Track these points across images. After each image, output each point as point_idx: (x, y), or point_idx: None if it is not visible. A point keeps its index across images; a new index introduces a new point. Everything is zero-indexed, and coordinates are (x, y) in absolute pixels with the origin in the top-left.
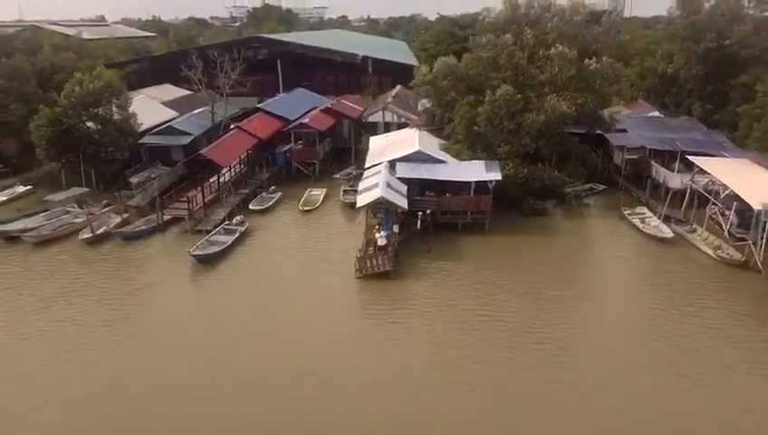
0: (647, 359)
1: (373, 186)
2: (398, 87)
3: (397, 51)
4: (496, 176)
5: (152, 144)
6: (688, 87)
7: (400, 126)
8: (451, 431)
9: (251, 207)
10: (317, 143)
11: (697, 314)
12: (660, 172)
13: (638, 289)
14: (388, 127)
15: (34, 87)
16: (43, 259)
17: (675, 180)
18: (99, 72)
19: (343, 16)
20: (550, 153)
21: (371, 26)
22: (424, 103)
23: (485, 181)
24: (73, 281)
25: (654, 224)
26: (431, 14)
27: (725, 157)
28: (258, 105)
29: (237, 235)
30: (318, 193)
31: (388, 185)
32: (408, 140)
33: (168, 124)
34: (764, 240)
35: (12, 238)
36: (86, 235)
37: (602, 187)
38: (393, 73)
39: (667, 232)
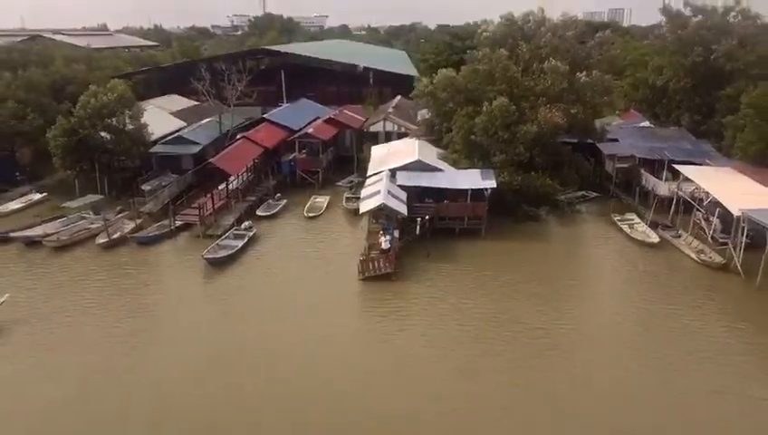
0: (628, 349)
1: (375, 193)
2: (399, 97)
3: (396, 61)
4: (491, 184)
5: (163, 153)
6: (677, 98)
7: (400, 135)
8: (449, 413)
9: (258, 213)
10: (320, 152)
11: (676, 311)
12: (649, 180)
13: (623, 289)
14: (388, 136)
15: (50, 98)
16: (64, 263)
17: (662, 188)
18: (113, 84)
19: (344, 25)
20: (544, 162)
21: (372, 35)
22: (423, 114)
23: (481, 189)
24: (97, 281)
25: (642, 229)
26: (431, 22)
27: (710, 165)
28: (263, 115)
29: (246, 239)
30: (322, 200)
31: (389, 192)
32: (408, 150)
33: (177, 134)
34: (743, 244)
35: (32, 243)
36: (103, 239)
37: (595, 194)
38: (393, 84)
39: (653, 237)
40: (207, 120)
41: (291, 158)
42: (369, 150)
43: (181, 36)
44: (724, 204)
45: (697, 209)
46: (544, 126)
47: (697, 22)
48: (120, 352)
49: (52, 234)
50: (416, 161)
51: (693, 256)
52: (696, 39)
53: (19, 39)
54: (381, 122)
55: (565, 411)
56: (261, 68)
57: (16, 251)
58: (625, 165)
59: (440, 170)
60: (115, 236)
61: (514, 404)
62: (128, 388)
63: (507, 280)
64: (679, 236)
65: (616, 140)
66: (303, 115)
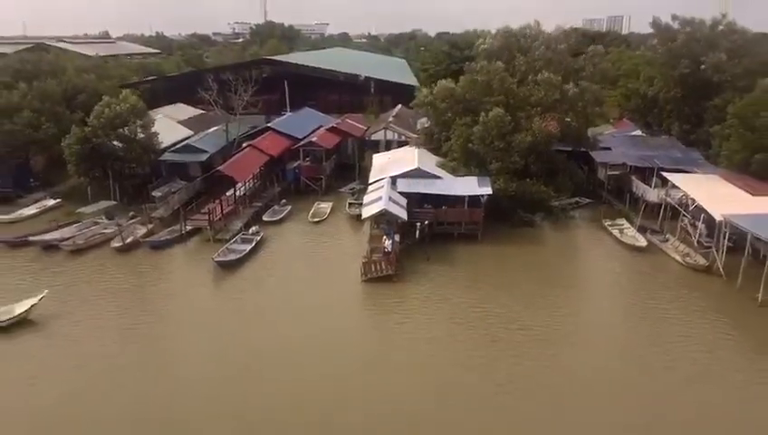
0: (615, 343)
1: (377, 199)
2: (399, 106)
3: (396, 70)
4: (487, 190)
5: (172, 160)
6: (668, 108)
7: (401, 144)
8: (449, 399)
9: (264, 218)
10: (324, 160)
11: (660, 308)
12: (640, 187)
13: (611, 289)
14: (389, 145)
15: (63, 107)
16: (81, 265)
17: (652, 194)
18: (125, 95)
19: (344, 33)
20: (539, 169)
21: (372, 43)
22: (423, 123)
23: (478, 195)
24: (114, 282)
25: (631, 234)
26: (431, 29)
27: (698, 173)
28: (268, 124)
29: (254, 243)
30: (325, 206)
31: (390, 198)
32: (409, 158)
33: (185, 142)
34: (725, 248)
35: (49, 247)
36: (117, 243)
37: (588, 200)
38: (394, 93)
39: (642, 241)
40: (214, 128)
41: (295, 165)
42: (371, 158)
43: (183, 44)
44: (707, 209)
45: (684, 215)
46: (539, 135)
47: (686, 34)
48: (135, 344)
49: (69, 238)
50: (416, 169)
51: (678, 258)
52: (684, 51)
53: (23, 47)
54: (382, 131)
55: (562, 404)
56: (264, 76)
57: (34, 254)
58: (617, 172)
59: (439, 178)
60: (129, 240)
61: (511, 398)
62: (144, 377)
63: (503, 282)
64: (667, 241)
65: (609, 149)
66: (307, 124)
